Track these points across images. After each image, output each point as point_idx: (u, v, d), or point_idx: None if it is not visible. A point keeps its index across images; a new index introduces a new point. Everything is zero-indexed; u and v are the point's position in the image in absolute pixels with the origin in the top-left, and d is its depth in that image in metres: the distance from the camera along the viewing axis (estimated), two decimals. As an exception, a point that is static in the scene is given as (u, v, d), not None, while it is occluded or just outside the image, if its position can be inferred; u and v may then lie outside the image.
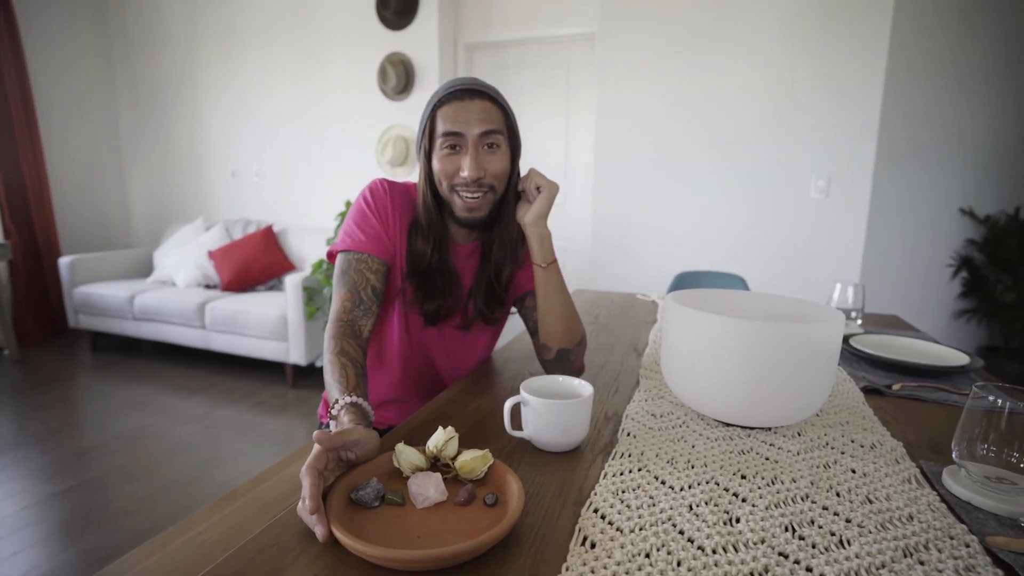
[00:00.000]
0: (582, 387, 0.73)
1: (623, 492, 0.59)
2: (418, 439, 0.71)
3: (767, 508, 0.57)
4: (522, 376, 0.99)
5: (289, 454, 1.36)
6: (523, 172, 0.95)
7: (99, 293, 3.33)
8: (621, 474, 0.63)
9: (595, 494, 0.59)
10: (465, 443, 0.71)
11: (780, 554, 0.50)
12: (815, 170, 2.64)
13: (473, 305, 1.00)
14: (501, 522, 0.51)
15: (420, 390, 1.04)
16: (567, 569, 0.47)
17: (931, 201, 2.82)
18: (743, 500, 0.59)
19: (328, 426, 1.09)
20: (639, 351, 1.14)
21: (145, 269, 3.82)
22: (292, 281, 2.84)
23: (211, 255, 3.45)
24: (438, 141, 0.87)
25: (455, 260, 0.97)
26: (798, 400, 0.71)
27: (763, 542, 0.51)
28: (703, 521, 0.54)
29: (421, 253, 0.93)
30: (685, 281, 2.03)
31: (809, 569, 0.48)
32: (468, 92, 0.86)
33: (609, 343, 1.20)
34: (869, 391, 0.95)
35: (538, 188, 0.91)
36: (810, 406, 0.72)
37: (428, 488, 0.55)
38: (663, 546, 0.50)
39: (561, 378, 0.75)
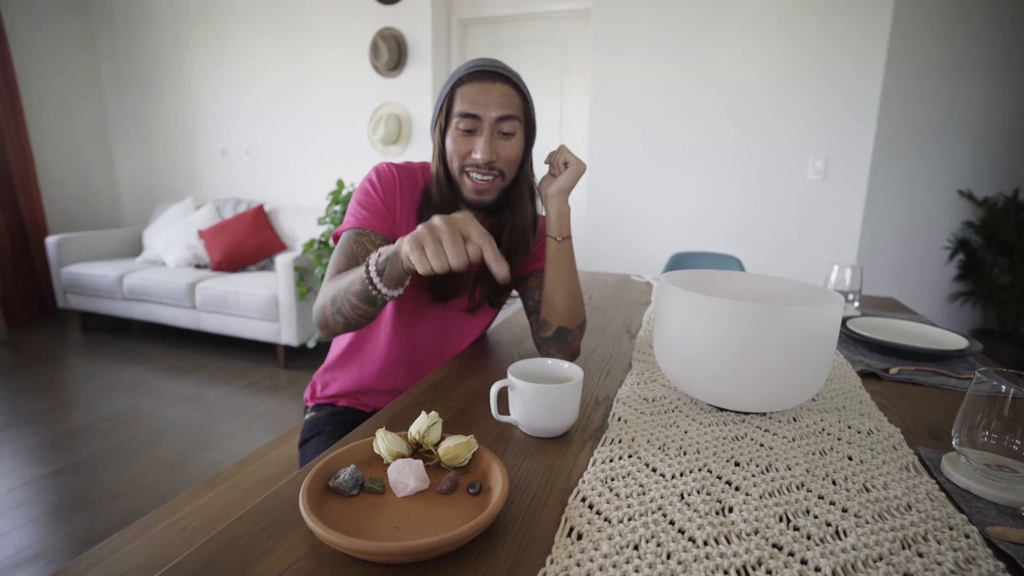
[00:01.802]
0: (572, 371, 0.70)
1: (612, 480, 0.57)
2: (401, 424, 0.69)
3: (761, 497, 0.55)
4: (511, 359, 0.96)
5: (278, 435, 1.34)
6: (535, 161, 0.96)
7: (88, 273, 3.28)
8: (611, 461, 0.61)
9: (583, 482, 0.57)
10: (450, 428, 0.69)
11: (774, 545, 0.48)
12: (813, 151, 2.60)
13: (480, 290, 0.99)
14: (483, 512, 0.48)
15: (400, 379, 1.02)
16: (551, 562, 0.45)
17: (929, 183, 2.79)
18: (736, 488, 0.57)
19: (314, 410, 1.07)
20: (632, 333, 1.12)
21: (134, 249, 3.77)
22: (283, 261, 2.80)
23: (201, 235, 3.40)
24: (454, 120, 0.86)
25: None
26: (795, 385, 0.69)
27: (756, 533, 0.49)
28: (695, 511, 0.52)
29: None
30: (680, 262, 2.00)
31: (804, 562, 0.46)
32: (490, 74, 0.85)
33: (601, 325, 1.17)
34: (866, 375, 0.93)
35: (566, 164, 0.90)
36: (807, 391, 0.70)
37: (409, 476, 0.53)
38: (652, 537, 0.48)
39: (550, 361, 0.72)
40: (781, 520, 0.52)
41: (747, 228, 2.72)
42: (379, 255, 0.70)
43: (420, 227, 0.62)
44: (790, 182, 2.64)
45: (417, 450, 0.60)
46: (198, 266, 3.38)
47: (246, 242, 3.30)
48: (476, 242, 0.62)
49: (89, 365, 2.91)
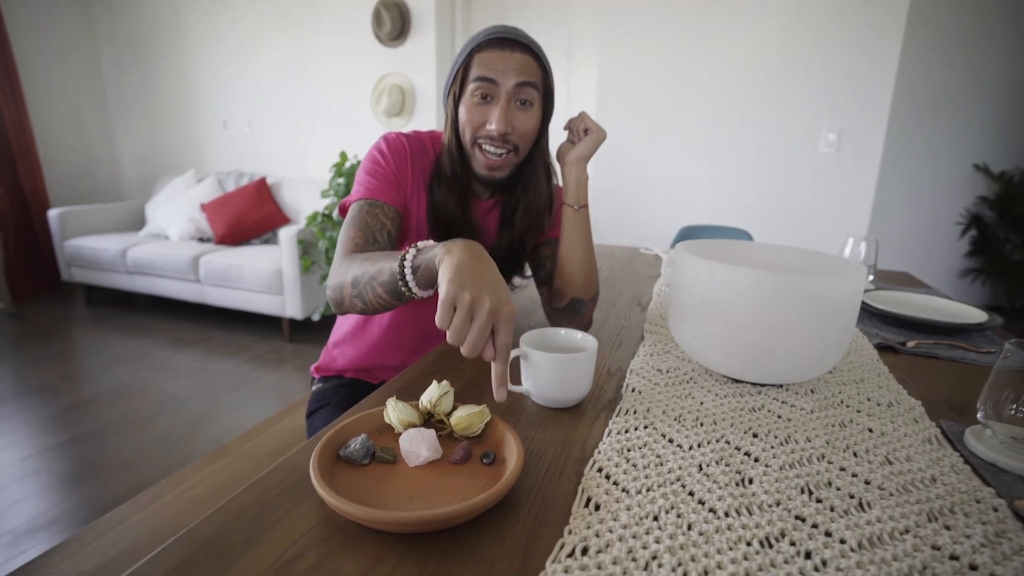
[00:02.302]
0: (586, 340, 0.69)
1: (628, 451, 0.56)
2: (411, 394, 0.67)
3: (781, 468, 0.54)
4: (521, 330, 0.94)
5: (285, 407, 1.34)
6: (552, 138, 0.92)
7: (91, 246, 3.27)
8: (626, 432, 0.60)
9: (599, 452, 0.55)
10: (460, 399, 0.67)
11: (797, 517, 0.47)
12: (826, 124, 2.54)
13: None
14: (499, 482, 0.47)
15: (409, 354, 1.01)
16: (570, 532, 0.44)
17: (945, 156, 2.73)
18: (756, 460, 0.55)
19: (321, 381, 1.06)
20: (643, 305, 1.10)
21: (137, 222, 3.75)
22: (287, 234, 2.78)
23: (204, 208, 3.37)
24: (470, 87, 0.82)
25: (476, 215, 0.93)
26: (814, 356, 0.67)
27: (778, 504, 0.48)
28: (714, 482, 0.51)
29: (444, 205, 0.89)
30: (689, 235, 1.97)
31: (828, 533, 0.45)
32: (510, 42, 0.81)
33: (611, 297, 1.15)
34: (883, 348, 0.91)
35: (586, 130, 0.87)
36: (825, 362, 0.69)
37: (421, 445, 0.52)
38: (672, 508, 0.47)
39: (563, 331, 0.70)
40: (803, 492, 0.50)
41: (757, 201, 2.68)
42: (416, 251, 0.65)
43: (468, 290, 0.53)
44: (802, 155, 2.59)
45: (428, 420, 0.59)
46: (201, 239, 3.36)
47: (249, 215, 3.27)
48: (498, 348, 0.56)
49: (94, 338, 2.92)
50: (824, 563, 0.41)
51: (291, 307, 2.87)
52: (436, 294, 0.58)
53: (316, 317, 2.89)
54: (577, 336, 0.70)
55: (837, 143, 2.54)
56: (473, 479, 0.50)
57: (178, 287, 3.12)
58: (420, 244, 0.66)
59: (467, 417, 0.55)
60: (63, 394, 2.27)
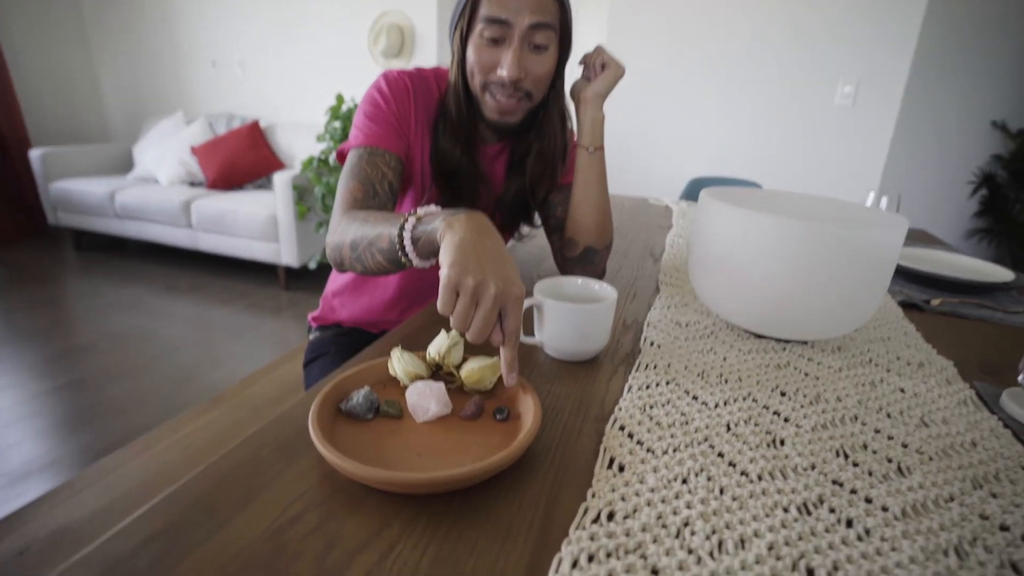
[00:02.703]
0: (604, 290, 0.64)
1: (651, 408, 0.52)
2: (417, 344, 0.63)
3: (813, 429, 0.50)
4: (530, 279, 0.90)
5: (281, 355, 1.31)
6: (567, 84, 0.84)
7: (77, 189, 3.16)
8: (647, 387, 0.56)
9: (620, 409, 0.52)
10: (471, 350, 0.63)
11: (834, 482, 0.43)
12: (842, 75, 2.43)
13: (499, 217, 0.90)
14: (516, 439, 0.43)
15: (412, 308, 0.96)
16: (593, 496, 0.40)
17: (962, 111, 2.63)
18: (785, 420, 0.52)
19: (318, 330, 1.02)
20: (656, 256, 1.05)
21: (124, 165, 3.62)
22: (281, 179, 2.69)
23: (194, 151, 3.25)
24: (478, 27, 0.73)
25: (482, 162, 0.86)
26: (845, 313, 0.63)
27: (813, 468, 0.45)
28: (744, 443, 0.48)
29: (448, 152, 0.81)
30: (698, 187, 1.91)
31: (868, 500, 0.42)
32: None
33: (622, 247, 1.10)
34: (906, 306, 0.87)
35: (603, 65, 0.80)
36: (855, 320, 0.64)
37: (430, 400, 0.48)
38: (702, 470, 0.44)
39: (579, 280, 0.66)
40: (838, 455, 0.47)
41: (768, 154, 2.59)
42: (416, 219, 0.58)
43: (471, 274, 0.48)
44: (816, 107, 2.49)
45: (436, 372, 0.55)
46: (192, 184, 3.26)
47: (242, 159, 3.16)
48: (507, 335, 0.50)
49: (85, 284, 2.86)
50: (867, 532, 0.38)
51: (287, 255, 2.80)
52: (438, 264, 0.52)
53: (312, 265, 2.83)
54: (594, 285, 0.65)
55: (854, 95, 2.43)
56: (486, 436, 0.46)
57: (170, 233, 3.04)
58: (421, 211, 0.59)
59: (479, 370, 0.51)
60: (54, 340, 2.23)
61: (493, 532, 0.37)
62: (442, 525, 0.37)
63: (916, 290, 0.94)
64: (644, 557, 0.35)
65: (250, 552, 0.34)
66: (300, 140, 3.17)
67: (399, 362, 0.52)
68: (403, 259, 0.60)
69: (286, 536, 0.36)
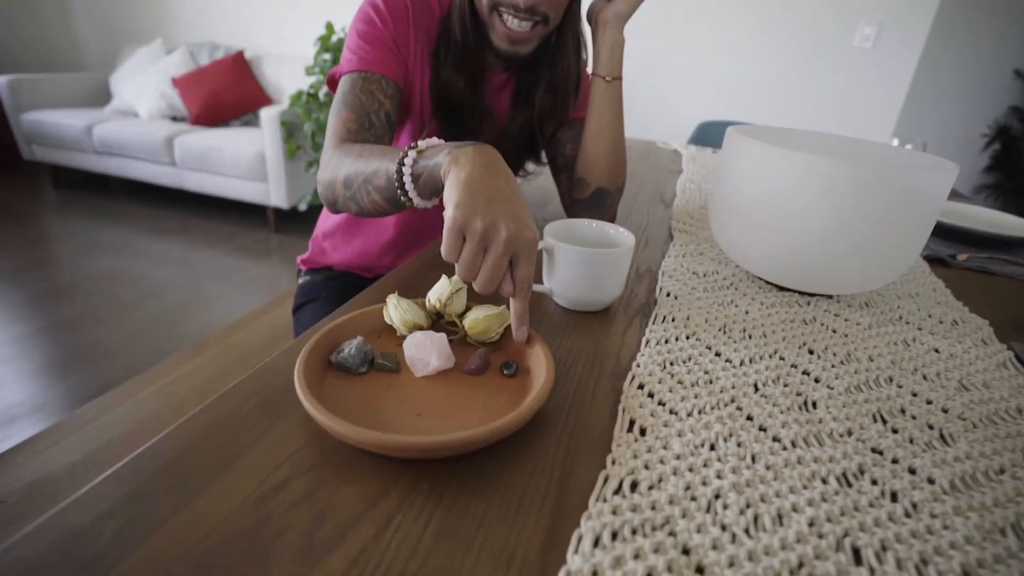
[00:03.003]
0: (619, 234, 0.58)
1: (671, 364, 0.48)
2: (415, 290, 0.58)
3: (847, 391, 0.46)
4: (536, 223, 0.84)
5: (270, 299, 1.26)
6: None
7: (52, 122, 3.00)
8: (666, 342, 0.52)
9: (638, 366, 0.47)
10: (474, 297, 0.58)
11: (874, 450, 0.40)
12: (864, 15, 2.29)
13: (503, 151, 0.83)
14: (526, 398, 0.39)
15: (409, 252, 0.90)
16: (614, 463, 0.36)
17: (986, 58, 2.51)
18: (816, 380, 0.48)
19: (308, 273, 0.96)
20: (666, 202, 0.99)
21: (101, 96, 3.43)
22: (268, 115, 2.55)
23: (176, 83, 3.08)
24: None
25: (487, 93, 0.78)
26: (880, 265, 0.58)
27: (850, 434, 0.41)
28: (774, 405, 0.44)
29: (451, 84, 0.73)
30: (708, 132, 1.82)
31: (912, 470, 0.38)
32: None
33: (631, 191, 1.04)
34: (931, 260, 0.82)
35: None
36: (888, 274, 0.60)
37: (430, 352, 0.43)
38: (731, 435, 0.40)
39: (593, 223, 0.60)
40: (875, 420, 0.43)
41: (780, 97, 2.48)
42: (417, 154, 0.52)
43: (479, 216, 0.42)
44: (833, 49, 2.36)
45: (437, 321, 0.50)
46: (175, 118, 3.10)
47: (226, 93, 2.99)
48: (518, 284, 0.44)
49: (65, 223, 2.76)
50: (915, 506, 0.35)
51: (276, 195, 2.70)
52: (442, 204, 0.46)
53: (303, 207, 2.74)
54: (608, 229, 0.60)
55: (874, 38, 2.30)
56: (492, 393, 0.42)
57: (153, 170, 2.92)
58: (422, 144, 0.52)
59: (483, 320, 0.46)
60: (34, 281, 2.16)
61: (503, 503, 0.33)
62: (446, 494, 0.33)
63: (940, 244, 0.89)
64: (673, 534, 0.31)
65: (228, 526, 0.30)
66: (288, 73, 3.00)
67: (396, 310, 0.47)
68: (402, 198, 0.53)
69: (270, 507, 0.31)
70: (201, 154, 2.73)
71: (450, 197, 0.44)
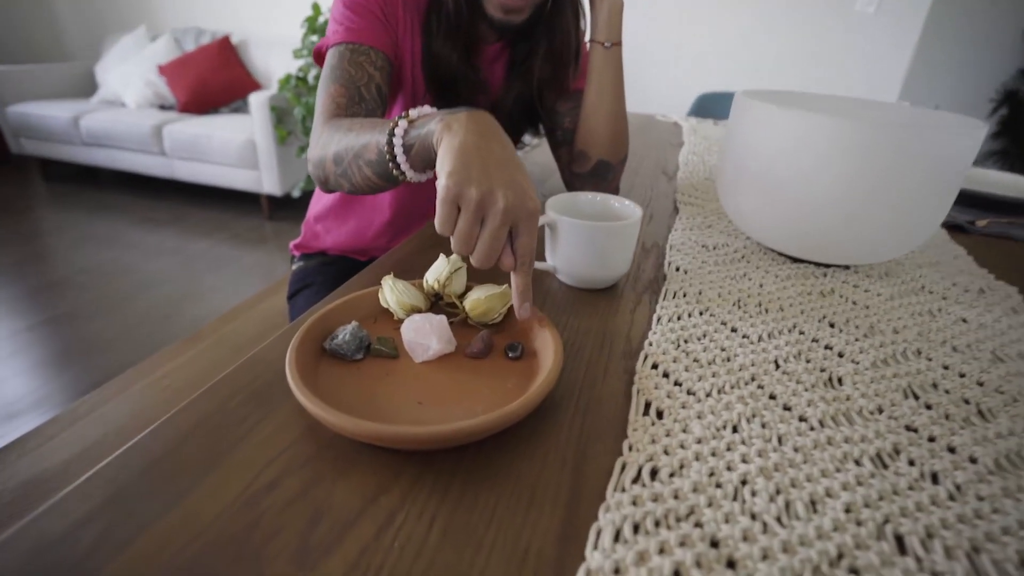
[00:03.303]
0: (625, 207, 0.55)
1: (686, 342, 0.45)
2: (412, 271, 0.55)
3: (873, 365, 0.44)
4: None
5: (264, 287, 1.23)
6: None
7: (38, 114, 2.93)
8: (679, 318, 0.49)
9: (650, 344, 0.45)
10: (475, 277, 0.55)
11: (908, 428, 0.37)
12: (865, -23, 2.22)
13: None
14: (534, 382, 0.36)
15: (404, 232, 0.87)
16: (631, 449, 0.34)
17: (993, 19, 2.44)
18: (840, 355, 0.45)
19: (302, 259, 0.93)
20: (669, 175, 0.95)
21: (87, 86, 3.36)
22: (257, 100, 2.50)
23: (162, 71, 3.00)
24: None
25: (481, 65, 0.74)
26: (901, 233, 0.55)
27: (880, 411, 0.38)
28: (797, 382, 0.41)
29: (444, 58, 0.70)
30: (707, 103, 1.77)
31: (952, 449, 0.35)
32: None
33: (632, 164, 1.00)
34: (949, 227, 0.79)
35: None
36: (910, 241, 0.57)
37: (430, 336, 0.40)
38: (754, 416, 0.37)
39: (598, 195, 0.57)
40: (907, 395, 0.40)
41: (779, 67, 2.42)
42: (408, 124, 0.49)
43: (475, 184, 0.39)
44: (834, 13, 2.29)
45: (436, 303, 0.47)
46: (162, 107, 3.03)
47: (214, 79, 2.93)
48: (519, 257, 0.41)
49: (56, 216, 2.71)
50: (959, 488, 0.32)
51: (268, 182, 2.66)
52: (436, 176, 0.42)
53: (296, 193, 2.70)
54: (613, 202, 0.56)
55: (877, 2, 2.24)
56: (498, 378, 0.39)
57: (142, 161, 2.86)
58: (413, 113, 0.49)
59: (485, 300, 0.44)
60: (28, 276, 2.12)
61: (514, 496, 0.30)
62: (452, 488, 0.31)
63: (956, 210, 0.86)
64: (699, 525, 0.29)
65: (217, 529, 0.28)
66: (276, 57, 2.93)
67: (392, 292, 0.44)
68: (395, 172, 0.50)
69: (261, 507, 0.29)
70: (191, 143, 2.68)
71: (443, 166, 0.40)
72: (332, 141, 0.57)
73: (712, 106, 1.77)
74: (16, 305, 1.92)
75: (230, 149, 2.61)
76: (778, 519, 0.29)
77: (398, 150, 0.48)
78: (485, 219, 0.39)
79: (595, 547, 0.27)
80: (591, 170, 0.74)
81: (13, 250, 2.33)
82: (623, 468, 0.32)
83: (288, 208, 2.89)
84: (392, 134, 0.48)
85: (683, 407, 0.37)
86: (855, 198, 0.52)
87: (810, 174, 0.53)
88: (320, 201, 0.90)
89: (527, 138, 0.86)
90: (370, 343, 0.41)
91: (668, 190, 0.87)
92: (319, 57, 0.70)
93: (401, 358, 0.41)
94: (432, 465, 0.32)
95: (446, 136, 0.42)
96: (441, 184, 0.39)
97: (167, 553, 0.27)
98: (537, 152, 1.08)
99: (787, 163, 0.54)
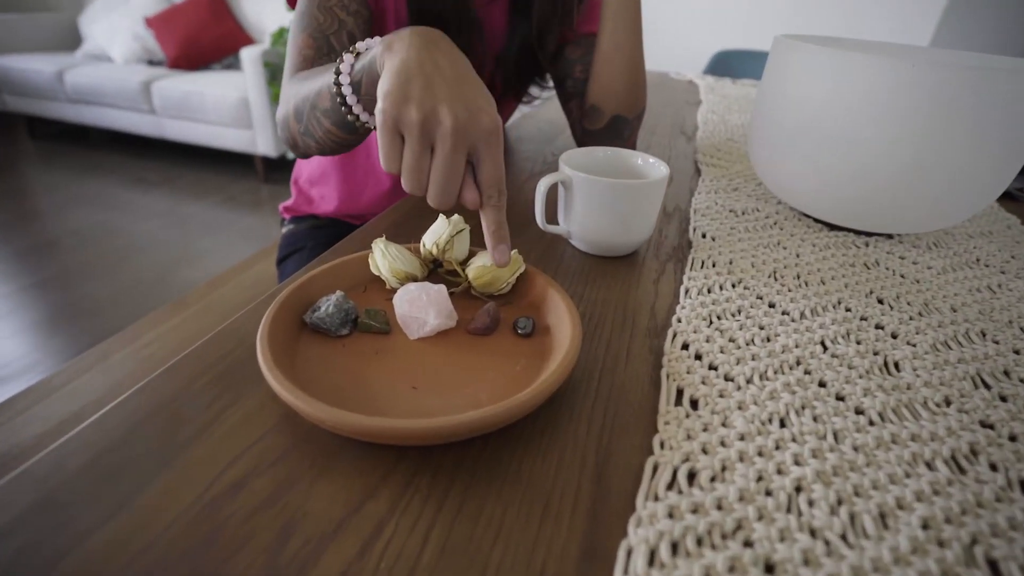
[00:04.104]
0: (647, 164, 0.49)
1: (718, 318, 0.40)
2: (407, 234, 0.49)
3: (933, 349, 0.38)
4: (541, 158, 0.74)
5: (255, 251, 1.17)
6: None
7: (19, 68, 2.82)
8: (708, 291, 0.43)
9: (679, 321, 0.39)
10: (479, 240, 0.50)
11: (983, 424, 0.32)
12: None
13: (501, 77, 0.72)
14: (549, 363, 0.31)
15: (401, 194, 0.80)
16: (663, 446, 0.28)
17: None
18: (893, 336, 0.40)
19: (292, 222, 0.87)
20: (688, 135, 0.88)
21: (71, 39, 3.22)
22: (250, 56, 2.38)
23: (149, 23, 2.87)
24: None
25: (475, 7, 0.66)
26: (960, 197, 0.49)
27: (948, 403, 0.33)
28: (849, 367, 0.36)
29: None
30: (725, 62, 1.68)
31: (1035, 447, 0.30)
32: None
33: (648, 123, 0.93)
34: (993, 193, 0.73)
35: None
36: (967, 208, 0.50)
37: (427, 308, 0.35)
38: (803, 407, 0.32)
39: (619, 152, 0.50)
40: (976, 385, 0.35)
41: (799, 23, 2.29)
42: (355, 55, 0.41)
43: (414, 101, 0.33)
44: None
45: (434, 271, 0.41)
46: (151, 62, 2.91)
47: (204, 33, 2.80)
48: (483, 187, 0.35)
49: (44, 176, 2.63)
50: (1051, 497, 0.27)
51: (263, 143, 2.56)
52: None
53: (291, 156, 2.60)
54: (634, 159, 0.50)
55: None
56: (505, 358, 0.34)
57: (132, 119, 2.76)
58: (360, 45, 0.41)
59: (491, 267, 0.38)
60: (16, 237, 2.06)
61: (525, 504, 0.25)
62: (451, 494, 0.26)
63: (998, 175, 0.79)
64: (750, 544, 0.24)
65: (167, 541, 0.23)
66: (269, 9, 2.80)
67: (384, 257, 0.38)
68: (349, 117, 0.43)
69: (223, 514, 0.24)
70: (181, 100, 2.57)
71: (380, 89, 0.34)
72: (292, 95, 0.51)
73: (730, 64, 1.67)
74: (4, 266, 1.86)
75: (223, 107, 2.51)
76: (843, 537, 0.24)
77: (346, 89, 0.41)
78: (434, 146, 0.33)
79: (625, 572, 0.22)
80: (605, 126, 0.67)
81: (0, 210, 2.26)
82: (655, 470, 0.27)
83: (284, 170, 2.80)
84: (338, 72, 0.41)
85: (721, 396, 0.32)
86: (914, 156, 0.46)
87: (864, 128, 0.47)
88: (310, 163, 0.83)
89: (535, 90, 0.79)
90: (357, 316, 0.36)
91: (687, 151, 0.81)
92: (292, 2, 0.62)
93: (393, 334, 0.35)
94: (428, 465, 0.27)
95: (387, 57, 0.35)
96: (378, 109, 0.33)
97: (107, 572, 0.22)
98: (544, 107, 1.01)
99: (835, 116, 0.48)
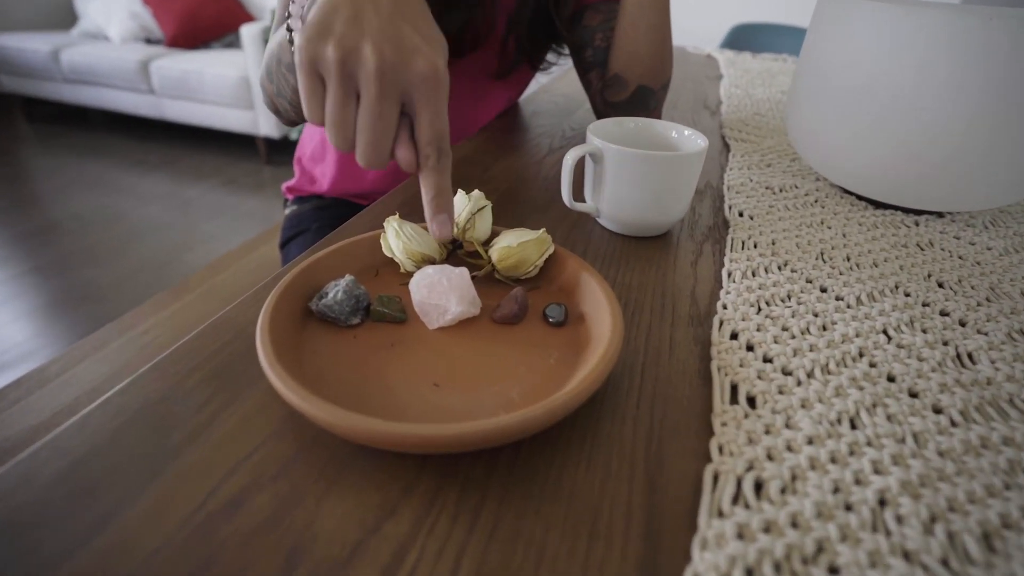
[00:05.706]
0: (682, 136, 0.45)
1: (767, 304, 0.36)
2: (421, 214, 0.45)
3: (1009, 339, 0.34)
4: (559, 132, 0.70)
5: (259, 233, 1.13)
6: None
7: (14, 47, 2.76)
8: (753, 274, 0.39)
9: (724, 307, 0.35)
10: (501, 219, 0.46)
11: (1078, 423, 0.28)
12: None
13: (515, 43, 0.67)
14: (589, 355, 0.27)
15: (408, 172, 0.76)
16: (722, 451, 0.25)
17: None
18: (961, 323, 0.36)
19: (295, 203, 0.83)
20: (712, 109, 0.84)
21: (66, 17, 3.15)
22: (250, 33, 2.32)
23: (146, 1, 2.80)
24: None
25: None
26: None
27: (1034, 399, 0.29)
28: (919, 359, 0.32)
29: None
30: (743, 34, 1.61)
31: None
32: None
33: (669, 97, 0.88)
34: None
35: None
36: (1027, 180, 0.46)
37: (448, 295, 0.31)
38: (875, 405, 0.28)
39: (652, 122, 0.46)
40: (1061, 376, 0.31)
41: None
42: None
43: (331, 38, 0.28)
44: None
45: (454, 252, 0.37)
46: (149, 41, 2.85)
47: (203, 9, 2.73)
48: (420, 144, 0.30)
49: (43, 159, 2.59)
50: None
51: (265, 124, 2.51)
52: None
53: (295, 136, 2.55)
54: (668, 130, 0.46)
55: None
56: (536, 349, 0.30)
57: (130, 100, 2.71)
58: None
59: (518, 248, 0.34)
60: (16, 222, 2.03)
61: (569, 522, 0.22)
62: (483, 512, 0.22)
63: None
64: (835, 572, 0.20)
65: (152, 570, 0.19)
66: (268, -15, 2.72)
67: (398, 237, 0.34)
68: None
69: (218, 538, 0.21)
70: (180, 80, 2.52)
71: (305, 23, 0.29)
72: (266, 53, 0.46)
73: (748, 38, 1.61)
74: (4, 251, 1.84)
75: (223, 87, 2.45)
76: (944, 562, 0.21)
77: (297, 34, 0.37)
78: (359, 90, 0.29)
79: (695, 608, 0.19)
80: (629, 97, 0.63)
81: (-1, 194, 2.22)
82: (716, 480, 0.23)
83: (287, 151, 2.75)
84: (288, 15, 0.36)
85: (780, 392, 0.28)
86: (979, 126, 0.41)
87: (923, 95, 0.42)
88: (312, 138, 0.79)
89: (551, 57, 0.74)
90: (369, 303, 0.32)
91: (713, 125, 0.76)
92: None
93: (410, 323, 0.32)
94: (455, 476, 0.23)
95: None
96: (295, 45, 0.29)
97: (82, 606, 0.18)
98: (560, 80, 0.96)
99: (891, 81, 0.43)
